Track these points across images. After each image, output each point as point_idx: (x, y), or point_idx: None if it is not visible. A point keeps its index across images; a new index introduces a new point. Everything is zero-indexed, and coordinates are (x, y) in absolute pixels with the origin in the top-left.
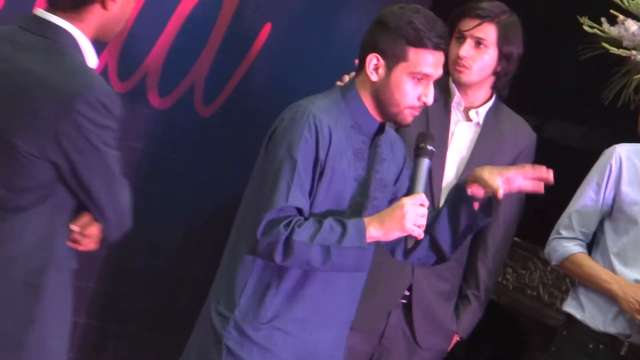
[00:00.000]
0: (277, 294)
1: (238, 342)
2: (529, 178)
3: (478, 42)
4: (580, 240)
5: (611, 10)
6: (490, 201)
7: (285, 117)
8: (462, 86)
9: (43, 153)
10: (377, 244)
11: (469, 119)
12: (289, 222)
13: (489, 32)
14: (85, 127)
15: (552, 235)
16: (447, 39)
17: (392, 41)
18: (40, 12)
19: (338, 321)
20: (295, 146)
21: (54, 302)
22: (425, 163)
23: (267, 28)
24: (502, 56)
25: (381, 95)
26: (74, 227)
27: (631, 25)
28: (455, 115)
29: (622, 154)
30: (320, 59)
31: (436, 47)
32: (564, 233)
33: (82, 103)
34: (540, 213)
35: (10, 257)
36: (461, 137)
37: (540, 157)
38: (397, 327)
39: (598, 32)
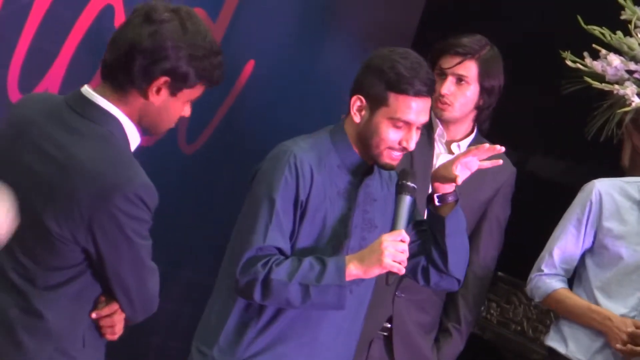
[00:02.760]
0: (255, 330)
1: None
2: (484, 157)
3: (459, 79)
4: (562, 276)
5: (593, 45)
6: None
7: (267, 157)
8: (445, 121)
9: (74, 238)
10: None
11: (451, 152)
12: (267, 261)
13: (469, 68)
14: (119, 219)
15: (533, 272)
16: (432, 85)
17: (374, 84)
18: (88, 91)
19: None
20: (275, 187)
21: None
22: (406, 200)
23: (250, 65)
24: (484, 90)
25: (363, 137)
26: (94, 315)
27: (613, 59)
28: (438, 148)
29: (602, 189)
30: (304, 96)
31: (417, 94)
32: (546, 270)
33: (120, 197)
34: (524, 247)
35: (37, 336)
36: None
37: (523, 192)
38: (377, 358)
39: (580, 66)
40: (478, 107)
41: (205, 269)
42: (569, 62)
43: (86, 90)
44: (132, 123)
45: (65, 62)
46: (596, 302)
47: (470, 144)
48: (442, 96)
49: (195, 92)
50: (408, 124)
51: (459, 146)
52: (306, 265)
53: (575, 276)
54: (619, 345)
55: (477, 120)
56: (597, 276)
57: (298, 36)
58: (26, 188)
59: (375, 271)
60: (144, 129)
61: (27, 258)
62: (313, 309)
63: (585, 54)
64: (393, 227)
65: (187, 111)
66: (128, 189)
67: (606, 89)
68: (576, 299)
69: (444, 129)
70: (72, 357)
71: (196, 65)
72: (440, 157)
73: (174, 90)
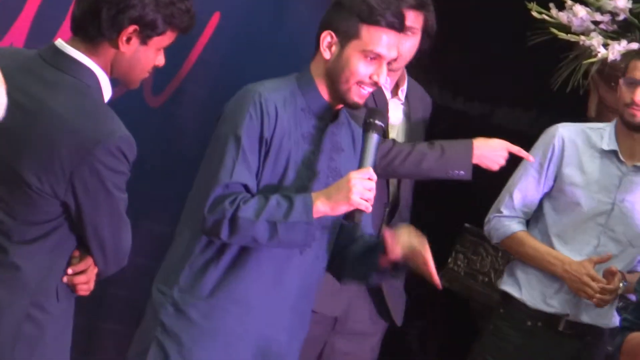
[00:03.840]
0: (216, 270)
1: (174, 318)
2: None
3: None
4: (521, 218)
5: None
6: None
7: (233, 98)
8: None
9: (54, 191)
10: None
11: (396, 96)
12: (234, 199)
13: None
14: (101, 172)
15: (492, 213)
16: (402, 19)
17: (345, 18)
18: (61, 44)
19: (291, 309)
20: (240, 124)
21: (54, 336)
22: (374, 138)
23: (215, 17)
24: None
25: (332, 73)
26: (69, 271)
27: (579, 10)
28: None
29: (565, 134)
30: (271, 48)
31: (390, 26)
32: (505, 212)
33: (102, 150)
34: (489, 198)
35: (12, 289)
36: (396, 117)
37: None
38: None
39: (546, 17)
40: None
41: (173, 221)
42: (534, 13)
43: (60, 43)
44: (105, 74)
45: (30, 16)
46: (552, 247)
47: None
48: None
49: (166, 39)
50: (379, 57)
51: (402, 91)
52: (273, 202)
53: (532, 219)
54: (580, 292)
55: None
56: (554, 222)
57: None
58: (1, 144)
59: (343, 208)
60: (118, 80)
61: (2, 212)
62: (280, 246)
63: (551, 5)
64: (360, 165)
65: (160, 60)
66: (110, 142)
67: (572, 39)
68: (535, 243)
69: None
70: (46, 310)
71: (164, 12)
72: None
73: (144, 39)
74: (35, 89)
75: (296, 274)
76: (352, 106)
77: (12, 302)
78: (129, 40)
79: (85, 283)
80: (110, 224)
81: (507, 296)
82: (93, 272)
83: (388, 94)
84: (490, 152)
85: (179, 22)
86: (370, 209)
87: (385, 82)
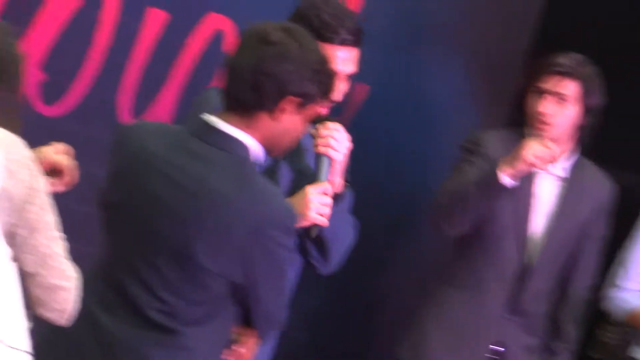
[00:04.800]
0: None
1: None
2: None
3: (561, 99)
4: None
5: None
6: None
7: None
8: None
9: (225, 272)
10: None
11: (551, 174)
12: None
13: (570, 87)
14: (272, 249)
15: (608, 287)
16: (358, 35)
17: None
18: (211, 119)
19: None
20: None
21: None
22: (326, 162)
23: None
24: (586, 110)
25: None
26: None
27: None
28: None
29: None
30: (416, 118)
31: (343, 43)
32: (622, 284)
33: (274, 229)
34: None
35: None
36: (546, 190)
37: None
38: None
39: None
40: (579, 127)
41: None
42: None
43: (209, 118)
44: (258, 145)
45: (176, 87)
46: None
47: (573, 164)
48: (541, 115)
49: (318, 106)
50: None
51: (561, 167)
52: None
53: None
54: None
55: (578, 141)
56: None
57: (409, 61)
58: (165, 224)
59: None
60: (267, 150)
61: (168, 293)
62: None
63: None
64: (316, 180)
65: (307, 127)
66: (279, 220)
67: None
68: None
69: None
70: None
71: (318, 80)
72: (541, 177)
73: (300, 108)
74: (193, 168)
75: None
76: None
77: None
78: (286, 110)
79: (246, 356)
80: (275, 297)
81: None
82: (254, 346)
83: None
84: None
85: (330, 89)
86: (327, 223)
87: None
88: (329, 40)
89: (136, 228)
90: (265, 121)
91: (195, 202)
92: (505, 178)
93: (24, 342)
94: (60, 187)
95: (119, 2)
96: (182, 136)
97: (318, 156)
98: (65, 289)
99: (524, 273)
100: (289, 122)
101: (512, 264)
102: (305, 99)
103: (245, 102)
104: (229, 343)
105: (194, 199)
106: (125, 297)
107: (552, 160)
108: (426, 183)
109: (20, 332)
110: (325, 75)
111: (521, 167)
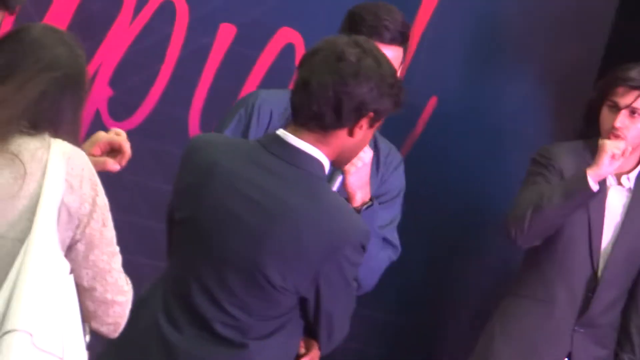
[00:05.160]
0: None
1: None
2: None
3: (632, 112)
4: None
5: None
6: None
7: None
8: None
9: (296, 288)
10: None
11: (620, 184)
12: None
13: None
14: (344, 267)
15: None
16: (406, 35)
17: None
18: (285, 134)
19: None
20: (227, 124)
21: None
22: (339, 178)
23: (432, 101)
24: None
25: None
26: None
27: None
28: (609, 180)
29: None
30: (485, 134)
31: (392, 42)
32: None
33: (349, 247)
34: None
35: None
36: (614, 202)
37: None
38: None
39: None
40: None
41: None
42: None
43: (283, 133)
44: (329, 161)
45: None
46: None
47: (639, 176)
48: (616, 129)
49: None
50: None
51: (628, 178)
52: None
53: None
54: None
55: None
56: None
57: (479, 72)
58: (241, 241)
59: None
60: (334, 162)
61: (236, 308)
62: None
63: None
64: None
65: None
66: (354, 238)
67: None
68: None
69: None
70: None
71: (392, 95)
72: (610, 189)
73: (373, 123)
74: (270, 187)
75: None
76: None
77: None
78: (362, 127)
79: None
80: (342, 312)
81: None
82: (317, 356)
83: (611, 180)
84: None
85: (401, 101)
86: None
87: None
88: (379, 37)
89: (209, 244)
90: (340, 138)
91: (273, 222)
92: (592, 182)
93: (82, 358)
94: (117, 166)
95: (188, 18)
96: (256, 152)
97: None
98: (120, 303)
99: (593, 284)
100: (362, 136)
101: (582, 275)
102: (381, 114)
103: (324, 121)
104: (294, 356)
105: (272, 218)
106: (193, 311)
107: (624, 154)
108: (495, 194)
109: (79, 348)
110: (398, 88)
111: (604, 167)
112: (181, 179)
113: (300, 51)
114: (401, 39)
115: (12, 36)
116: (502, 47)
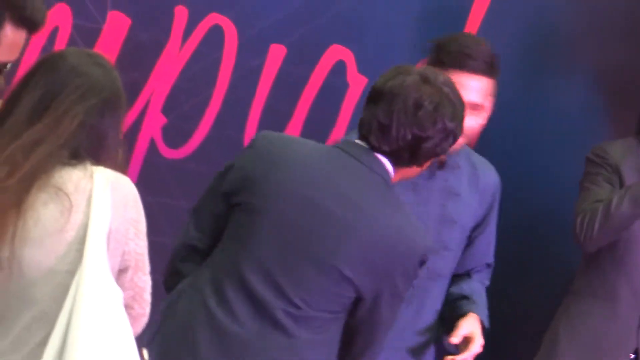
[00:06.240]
0: None
1: None
2: None
3: None
4: None
5: None
6: None
7: None
8: None
9: (362, 285)
10: None
11: None
12: None
13: None
14: (407, 278)
15: None
16: (492, 66)
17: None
18: (362, 143)
19: None
20: None
21: None
22: None
23: None
24: None
25: None
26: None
27: None
28: None
29: None
30: (534, 136)
31: (477, 71)
32: None
33: (417, 260)
34: None
35: None
36: None
37: None
38: None
39: None
40: None
41: None
42: None
43: (360, 142)
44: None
45: (301, 120)
46: None
47: None
48: None
49: None
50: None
51: None
52: None
53: None
54: None
55: None
56: None
57: (532, 73)
58: (320, 233)
59: None
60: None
61: (299, 297)
62: None
63: None
64: None
65: None
66: (422, 252)
67: None
68: None
69: None
70: None
71: (460, 131)
72: None
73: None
74: (350, 182)
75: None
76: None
77: None
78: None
79: None
80: (388, 321)
81: None
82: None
83: None
84: None
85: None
86: None
87: None
88: (462, 67)
89: (282, 232)
90: (410, 169)
91: (354, 216)
92: None
93: None
94: None
95: (237, 41)
96: (331, 150)
97: None
98: (147, 315)
99: None
100: (427, 164)
101: None
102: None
103: (399, 159)
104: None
105: (353, 212)
106: (252, 295)
107: None
108: (557, 198)
109: None
110: (462, 123)
111: None
112: (247, 164)
113: (351, 67)
114: (487, 69)
115: (48, 64)
116: (556, 52)
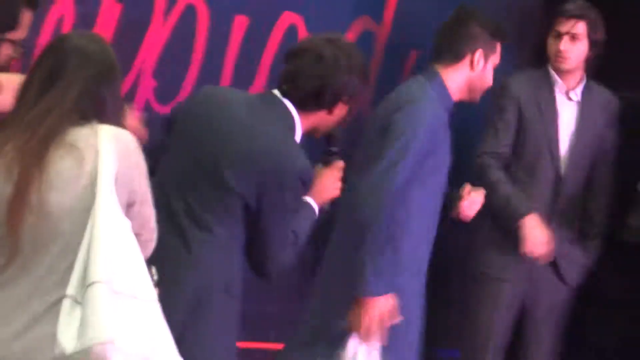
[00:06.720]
0: None
1: None
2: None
3: (572, 37)
4: None
5: None
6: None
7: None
8: (562, 72)
9: (244, 192)
10: None
11: (569, 99)
12: None
13: (579, 27)
14: (285, 191)
15: None
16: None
17: (485, 37)
18: (277, 94)
19: None
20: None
21: (219, 324)
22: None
23: (412, 55)
24: (592, 44)
25: (474, 84)
26: None
27: None
28: (558, 97)
29: None
30: None
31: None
32: None
33: (295, 176)
34: None
35: (194, 270)
36: (566, 113)
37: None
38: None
39: None
40: (587, 59)
41: None
42: None
43: (276, 92)
44: (302, 130)
45: (262, 82)
46: None
47: (583, 90)
48: (561, 52)
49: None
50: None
51: (575, 93)
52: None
53: None
54: None
55: (585, 69)
56: None
57: None
58: (216, 148)
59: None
60: (308, 134)
61: (201, 208)
62: None
63: None
64: None
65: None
66: (300, 170)
67: None
68: None
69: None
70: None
71: (365, 84)
72: (562, 105)
73: (349, 103)
74: (254, 117)
75: None
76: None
77: (192, 278)
78: (338, 107)
79: None
80: (279, 233)
81: None
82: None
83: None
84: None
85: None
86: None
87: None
88: (503, 38)
89: (191, 155)
90: (320, 116)
91: (243, 139)
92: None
93: (154, 295)
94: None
95: (208, 16)
96: (251, 96)
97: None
98: (153, 240)
99: (558, 182)
100: (338, 114)
101: (547, 175)
102: (353, 97)
103: (307, 105)
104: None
105: (243, 136)
106: (169, 210)
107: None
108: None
109: (148, 286)
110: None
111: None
112: (185, 102)
113: (302, 32)
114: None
115: (53, 46)
116: None
